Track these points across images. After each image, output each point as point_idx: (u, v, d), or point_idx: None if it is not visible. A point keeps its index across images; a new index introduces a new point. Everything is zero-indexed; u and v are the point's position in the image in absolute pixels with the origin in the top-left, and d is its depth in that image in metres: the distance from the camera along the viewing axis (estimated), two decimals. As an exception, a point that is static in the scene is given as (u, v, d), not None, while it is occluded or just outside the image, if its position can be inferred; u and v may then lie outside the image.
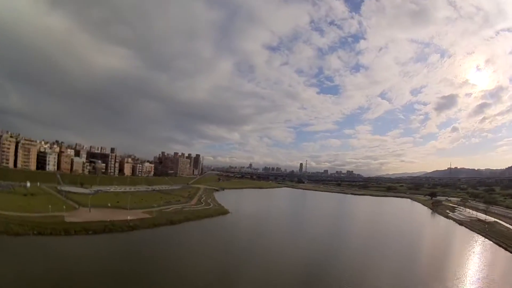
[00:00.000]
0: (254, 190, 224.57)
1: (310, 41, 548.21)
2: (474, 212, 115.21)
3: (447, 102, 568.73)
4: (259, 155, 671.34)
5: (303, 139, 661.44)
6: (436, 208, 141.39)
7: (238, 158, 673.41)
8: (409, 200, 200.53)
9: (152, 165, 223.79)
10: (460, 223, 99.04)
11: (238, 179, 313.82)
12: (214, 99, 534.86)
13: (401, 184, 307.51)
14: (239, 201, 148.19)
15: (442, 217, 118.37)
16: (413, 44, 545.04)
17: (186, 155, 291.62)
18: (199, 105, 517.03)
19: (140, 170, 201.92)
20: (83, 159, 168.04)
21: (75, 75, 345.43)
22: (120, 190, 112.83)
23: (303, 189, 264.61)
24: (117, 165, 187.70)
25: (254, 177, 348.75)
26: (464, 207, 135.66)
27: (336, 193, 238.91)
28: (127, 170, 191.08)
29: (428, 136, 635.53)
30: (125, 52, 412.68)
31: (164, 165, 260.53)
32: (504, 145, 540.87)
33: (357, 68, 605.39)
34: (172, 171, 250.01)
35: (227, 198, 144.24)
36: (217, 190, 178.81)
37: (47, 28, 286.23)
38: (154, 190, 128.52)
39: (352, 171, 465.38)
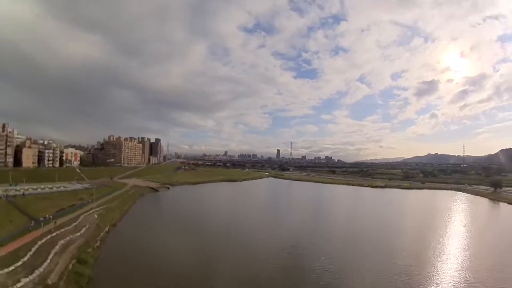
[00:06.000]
0: (223, 186, 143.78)
1: (288, 21, 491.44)
2: None
3: (428, 87, 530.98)
4: (235, 142, 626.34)
5: (279, 125, 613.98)
6: None
7: (213, 146, 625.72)
8: (453, 191, 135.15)
9: (77, 152, 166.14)
10: None
11: (208, 168, 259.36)
12: (188, 85, 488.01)
13: (413, 170, 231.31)
14: (164, 235, 48.48)
15: None
16: (396, 27, 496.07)
17: (139, 139, 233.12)
18: (173, 92, 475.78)
19: (51, 159, 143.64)
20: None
21: (44, 65, 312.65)
22: None
23: (291, 179, 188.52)
24: (10, 150, 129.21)
25: (228, 164, 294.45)
26: None
27: (344, 186, 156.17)
28: (27, 159, 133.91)
29: (407, 121, 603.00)
30: (94, 38, 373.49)
31: (106, 152, 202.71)
32: (484, 133, 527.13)
33: (336, 51, 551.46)
34: (113, 160, 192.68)
35: (146, 218, 61.78)
36: (156, 191, 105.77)
37: (13, 16, 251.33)
38: (6, 196, 71.79)
39: (330, 157, 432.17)
